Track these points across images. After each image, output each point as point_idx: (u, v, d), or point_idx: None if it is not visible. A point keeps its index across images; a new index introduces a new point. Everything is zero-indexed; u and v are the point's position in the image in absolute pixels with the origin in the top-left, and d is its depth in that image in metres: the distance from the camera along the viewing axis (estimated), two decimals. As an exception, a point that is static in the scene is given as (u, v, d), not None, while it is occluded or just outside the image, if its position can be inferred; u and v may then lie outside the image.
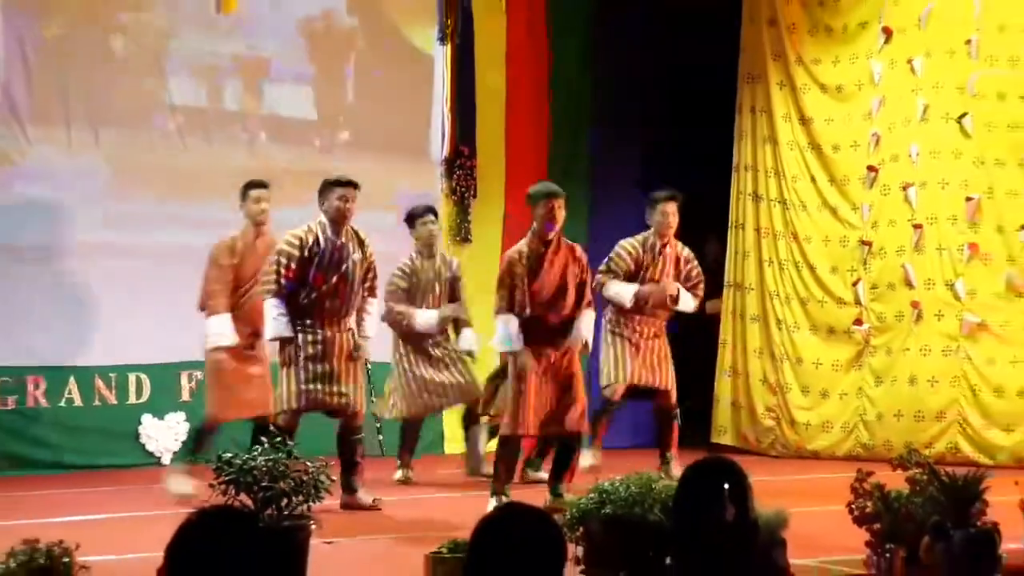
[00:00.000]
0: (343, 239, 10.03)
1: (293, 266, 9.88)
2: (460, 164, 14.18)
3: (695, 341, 14.15)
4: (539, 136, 14.53)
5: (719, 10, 14.06)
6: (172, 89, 13.13)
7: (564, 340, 9.91)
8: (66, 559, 5.54)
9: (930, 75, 12.84)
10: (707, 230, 14.45)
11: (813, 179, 13.62)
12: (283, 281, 9.84)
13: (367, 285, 10.25)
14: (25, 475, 11.41)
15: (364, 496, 9.92)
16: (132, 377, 12.60)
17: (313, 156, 13.53)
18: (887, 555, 6.89)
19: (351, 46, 14.07)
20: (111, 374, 12.48)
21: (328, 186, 10.04)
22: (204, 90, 13.37)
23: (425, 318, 11.40)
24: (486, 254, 13.48)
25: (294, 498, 7.18)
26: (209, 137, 13.26)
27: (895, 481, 7.01)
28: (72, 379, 11.70)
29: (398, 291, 11.48)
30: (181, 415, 12.61)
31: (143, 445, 12.58)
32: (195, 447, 10.61)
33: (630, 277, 11.24)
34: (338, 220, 9.96)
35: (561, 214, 9.90)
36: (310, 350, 9.95)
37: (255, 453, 7.52)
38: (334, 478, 7.93)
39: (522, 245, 9.96)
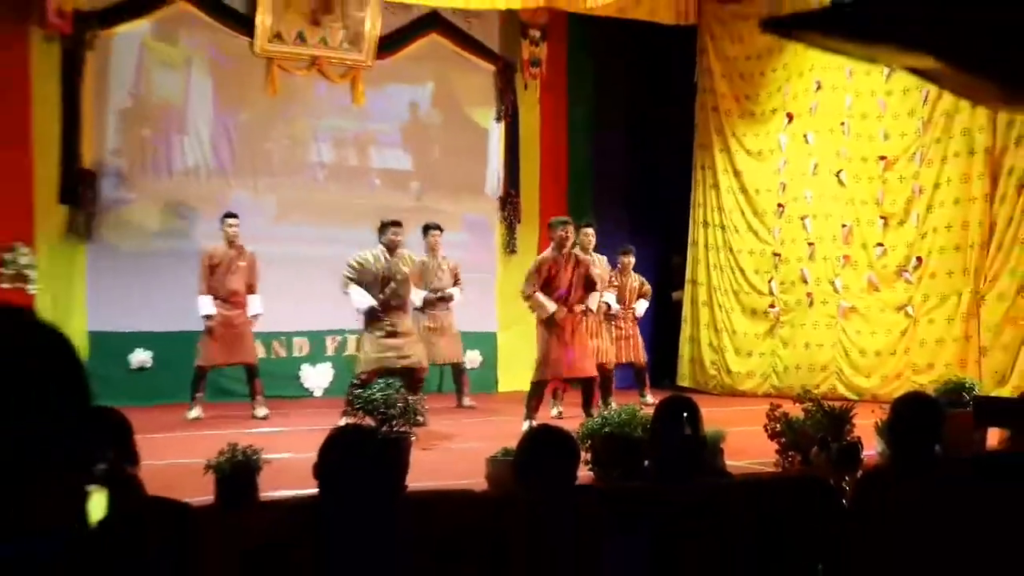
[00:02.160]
0: (396, 259, 9.90)
1: (358, 271, 9.80)
2: (509, 201, 14.13)
3: (667, 319, 14.37)
4: (560, 183, 14.41)
5: (681, 99, 14.08)
6: (321, 152, 13.22)
7: (572, 314, 9.82)
8: (255, 456, 5.75)
9: (818, 145, 12.84)
10: (674, 246, 14.58)
11: (742, 212, 13.66)
12: (355, 277, 9.78)
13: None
14: (229, 402, 11.41)
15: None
16: (296, 340, 12.74)
17: (411, 196, 13.56)
18: (789, 458, 7.12)
19: (435, 123, 13.95)
20: (282, 337, 12.63)
21: (384, 226, 9.95)
22: (340, 153, 13.40)
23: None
24: (527, 260, 13.08)
25: (400, 419, 7.55)
26: (343, 184, 13.27)
27: (795, 411, 7.20)
28: (258, 341, 11.34)
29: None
30: (328, 364, 12.78)
31: (302, 383, 12.73)
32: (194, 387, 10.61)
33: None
34: (390, 248, 9.88)
35: (572, 236, 9.95)
36: (384, 331, 9.84)
37: (375, 391, 7.91)
38: (427, 407, 8.39)
39: (547, 253, 9.99)
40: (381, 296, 9.88)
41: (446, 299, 11.52)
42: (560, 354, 9.81)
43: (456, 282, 11.72)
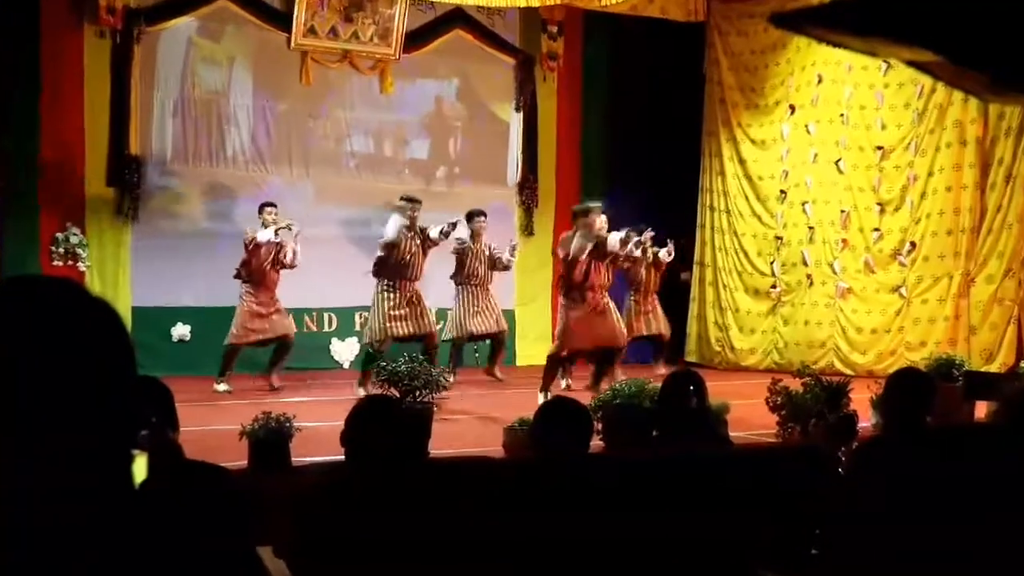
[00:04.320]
0: (414, 232, 9.99)
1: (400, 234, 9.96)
2: (528, 186, 14.02)
3: (676, 298, 14.15)
4: (574, 170, 14.34)
5: (690, 91, 13.92)
6: (352, 142, 13.16)
7: (594, 292, 9.70)
8: (287, 423, 5.83)
9: (818, 135, 12.76)
10: (682, 231, 14.35)
11: (746, 197, 13.57)
12: (387, 253, 9.98)
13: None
14: (265, 374, 11.22)
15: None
16: (326, 315, 12.70)
17: (436, 183, 13.50)
18: (789, 429, 7.15)
19: (459, 115, 13.88)
20: (313, 313, 12.58)
21: (409, 201, 10.13)
22: (371, 142, 13.35)
23: None
24: (543, 240, 13.65)
25: (424, 391, 7.64)
26: (374, 171, 13.20)
27: (795, 384, 7.27)
28: (291, 316, 11.10)
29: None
30: (354, 339, 12.61)
31: (332, 356, 12.69)
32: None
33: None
34: (409, 224, 10.03)
35: (599, 220, 9.90)
36: (394, 299, 9.92)
37: (401, 363, 7.93)
38: (452, 380, 8.32)
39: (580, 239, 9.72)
40: (398, 262, 10.01)
41: (501, 268, 11.41)
42: (582, 328, 9.68)
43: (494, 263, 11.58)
